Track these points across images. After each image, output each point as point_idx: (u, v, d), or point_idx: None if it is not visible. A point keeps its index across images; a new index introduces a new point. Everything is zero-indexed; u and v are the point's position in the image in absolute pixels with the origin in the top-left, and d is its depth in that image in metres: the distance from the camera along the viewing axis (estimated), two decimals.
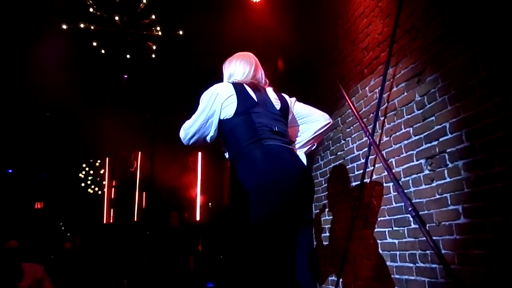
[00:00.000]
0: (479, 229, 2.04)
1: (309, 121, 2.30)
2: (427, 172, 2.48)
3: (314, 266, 3.99)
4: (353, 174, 3.45)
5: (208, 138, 2.12)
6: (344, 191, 3.57)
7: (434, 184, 2.40)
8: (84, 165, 13.22)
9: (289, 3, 4.75)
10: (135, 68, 6.98)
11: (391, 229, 2.83)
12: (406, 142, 2.70)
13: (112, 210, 11.22)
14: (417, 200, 2.53)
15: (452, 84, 2.28)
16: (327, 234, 3.83)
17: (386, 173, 2.83)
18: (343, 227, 3.50)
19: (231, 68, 2.25)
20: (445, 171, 2.31)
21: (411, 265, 2.58)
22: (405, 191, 2.62)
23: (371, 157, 3.15)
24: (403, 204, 2.65)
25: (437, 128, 2.39)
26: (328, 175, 3.92)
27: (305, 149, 2.29)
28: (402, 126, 2.75)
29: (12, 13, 5.36)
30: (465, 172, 2.16)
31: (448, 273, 2.15)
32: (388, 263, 2.84)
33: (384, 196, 2.94)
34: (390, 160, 2.86)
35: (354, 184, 3.42)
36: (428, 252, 2.44)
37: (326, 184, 3.95)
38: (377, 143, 2.99)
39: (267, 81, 2.31)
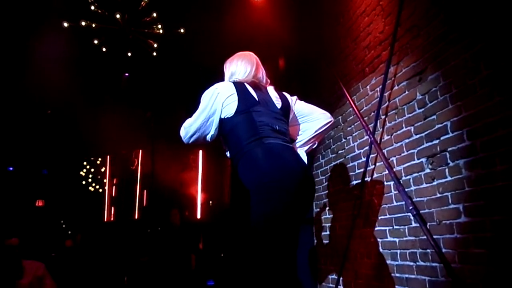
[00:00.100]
0: (479, 228, 2.04)
1: (310, 119, 2.30)
2: (428, 170, 2.48)
3: (315, 264, 4.00)
4: (354, 173, 3.45)
5: (208, 137, 2.13)
6: (345, 190, 3.57)
7: (435, 183, 2.40)
8: (85, 163, 13.21)
9: (290, 2, 4.75)
10: (136, 66, 6.97)
11: (391, 227, 2.83)
12: (407, 140, 2.70)
13: (113, 208, 11.23)
14: (418, 199, 2.53)
15: (453, 82, 2.28)
16: (328, 232, 3.83)
17: (387, 171, 2.83)
18: (344, 226, 3.50)
19: (232, 67, 2.26)
20: (446, 170, 2.31)
21: (412, 263, 2.59)
22: (406, 189, 2.62)
23: (372, 155, 3.15)
24: (403, 202, 2.65)
25: (438, 127, 2.39)
26: (329, 174, 3.92)
27: (306, 147, 2.29)
28: (403, 125, 2.75)
29: (13, 11, 5.35)
30: (466, 171, 2.16)
31: (448, 272, 2.15)
32: (388, 261, 2.85)
33: (385, 195, 2.94)
34: (391, 159, 2.86)
35: (355, 182, 3.42)
36: (428, 250, 2.44)
37: (327, 183, 3.95)
38: (378, 141, 2.99)
39: (268, 80, 2.32)
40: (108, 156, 11.85)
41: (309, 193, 2.01)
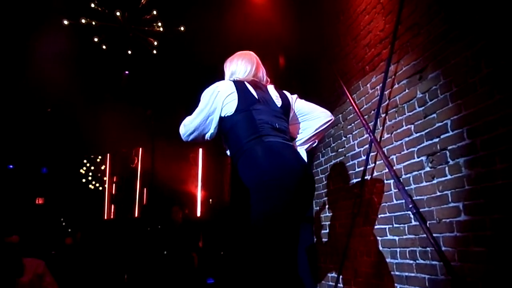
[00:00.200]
0: (479, 227, 2.05)
1: (311, 118, 2.30)
2: (428, 169, 2.48)
3: (314, 262, 4.00)
4: (354, 171, 3.45)
5: (207, 136, 2.13)
6: (344, 188, 3.57)
7: (435, 181, 2.41)
8: (85, 161, 13.21)
9: (290, 0, 4.74)
10: (136, 64, 6.97)
11: (391, 226, 2.84)
12: (407, 139, 2.70)
13: (113, 206, 11.24)
14: (418, 197, 2.54)
15: (454, 81, 2.28)
16: (328, 230, 3.83)
17: (387, 170, 2.83)
18: (344, 224, 3.51)
19: (232, 66, 2.27)
20: (446, 168, 2.31)
21: (411, 262, 2.59)
22: (406, 188, 2.62)
23: (372, 154, 3.15)
24: (403, 201, 2.65)
25: (438, 125, 2.39)
26: (329, 172, 3.92)
27: (306, 146, 2.29)
28: (403, 123, 2.75)
29: (13, 9, 5.35)
30: (466, 170, 2.16)
31: (448, 270, 2.15)
32: (388, 260, 2.85)
33: (385, 193, 2.94)
34: (391, 157, 2.86)
35: (355, 181, 3.42)
36: (428, 249, 2.44)
37: (326, 181, 3.95)
38: (378, 140, 2.99)
39: (268, 79, 2.32)
40: (108, 154, 11.85)
41: (309, 192, 2.01)
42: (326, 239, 3.88)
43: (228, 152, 2.15)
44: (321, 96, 4.05)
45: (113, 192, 11.38)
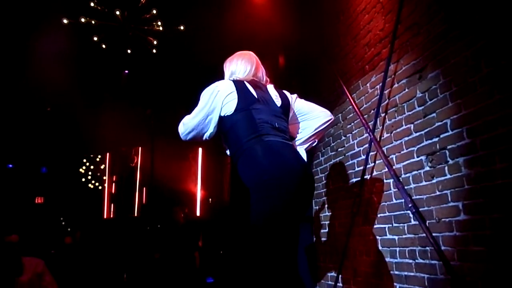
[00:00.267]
0: (479, 226, 2.05)
1: (310, 117, 2.30)
2: (427, 168, 2.48)
3: (314, 262, 4.00)
4: (353, 171, 3.45)
5: (206, 135, 2.12)
6: (344, 187, 3.57)
7: (434, 181, 2.41)
8: (84, 160, 13.23)
9: (290, 0, 4.74)
10: (136, 63, 6.97)
11: (391, 225, 2.84)
12: (406, 138, 2.70)
13: (112, 205, 11.23)
14: (417, 197, 2.54)
15: (454, 80, 2.28)
16: (327, 230, 3.83)
17: (386, 169, 2.83)
18: (343, 223, 3.51)
19: (232, 66, 2.27)
20: (446, 168, 2.31)
21: (411, 261, 2.59)
22: (406, 187, 2.62)
23: (371, 153, 3.15)
24: (403, 200, 2.65)
25: (438, 125, 2.39)
26: (329, 171, 3.92)
27: (306, 145, 2.29)
28: (403, 123, 2.75)
29: (12, 8, 5.34)
30: (465, 169, 2.16)
31: (447, 270, 2.15)
32: (387, 259, 2.85)
33: (385, 193, 2.94)
34: (390, 157, 2.86)
35: (354, 180, 3.42)
36: (428, 248, 2.44)
37: (326, 180, 3.95)
38: (378, 139, 2.99)
39: (268, 79, 2.33)
40: (107, 153, 11.84)
41: (308, 191, 2.01)
42: (325, 239, 3.88)
43: (228, 152, 2.15)
44: (321, 96, 4.05)
45: (113, 191, 11.38)
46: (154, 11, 5.76)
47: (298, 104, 2.31)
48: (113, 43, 6.19)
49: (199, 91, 2.11)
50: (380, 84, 3.02)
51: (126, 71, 7.39)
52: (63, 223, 11.70)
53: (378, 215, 2.99)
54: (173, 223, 5.25)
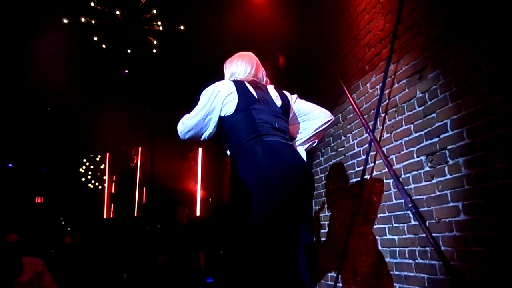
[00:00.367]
0: (479, 226, 2.05)
1: (310, 118, 2.30)
2: (427, 169, 2.48)
3: (314, 262, 4.00)
4: (353, 171, 3.45)
5: (205, 135, 2.12)
6: (344, 188, 3.57)
7: (434, 181, 2.41)
8: (84, 160, 13.23)
9: (290, 0, 4.74)
10: (136, 63, 6.97)
11: (391, 225, 2.84)
12: (406, 138, 2.70)
13: (112, 205, 11.24)
14: (417, 197, 2.54)
15: (454, 81, 2.28)
16: (327, 230, 3.83)
17: (386, 169, 2.83)
18: (343, 223, 3.51)
19: (232, 67, 2.27)
20: (446, 168, 2.31)
21: (411, 261, 2.59)
22: (405, 187, 2.62)
23: (371, 153, 3.15)
24: (403, 200, 2.65)
25: (438, 125, 2.39)
26: (328, 172, 3.92)
27: (306, 146, 2.30)
28: (403, 123, 2.75)
29: (13, 7, 5.34)
30: (465, 169, 2.16)
31: (447, 270, 2.15)
32: (387, 259, 2.85)
33: (384, 193, 2.94)
34: (390, 157, 2.86)
35: (354, 180, 3.42)
36: (427, 248, 2.44)
37: (326, 180, 3.95)
38: (378, 139, 2.99)
39: (268, 80, 2.33)
40: (107, 153, 11.86)
41: (308, 191, 2.01)
42: (325, 239, 3.88)
43: (228, 152, 2.15)
44: (321, 96, 4.05)
45: (113, 191, 11.39)
46: (154, 11, 5.76)
47: (298, 105, 2.31)
48: (113, 43, 6.19)
49: (199, 91, 2.11)
50: (380, 84, 3.02)
51: (126, 71, 7.39)
52: (63, 222, 11.71)
53: (378, 215, 2.99)
54: (176, 223, 5.21)
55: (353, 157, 3.48)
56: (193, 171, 8.25)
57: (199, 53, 5.85)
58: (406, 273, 2.63)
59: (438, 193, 2.37)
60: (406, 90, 2.73)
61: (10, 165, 11.16)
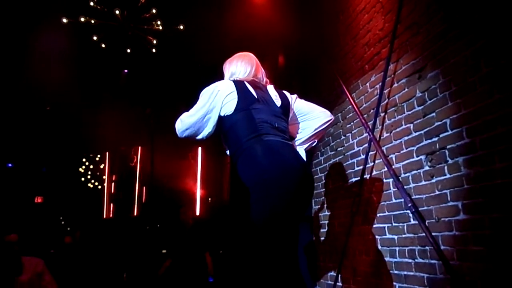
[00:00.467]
0: (478, 226, 2.05)
1: (310, 118, 2.31)
2: (427, 168, 2.48)
3: (313, 261, 4.00)
4: (353, 170, 3.45)
5: (203, 134, 2.11)
6: (343, 187, 3.57)
7: (434, 180, 2.41)
8: (84, 160, 13.23)
9: None
10: (135, 63, 6.96)
11: (390, 224, 2.84)
12: (406, 138, 2.70)
13: (112, 204, 11.25)
14: (417, 196, 2.54)
15: (453, 80, 2.28)
16: (327, 229, 3.83)
17: (386, 169, 2.83)
18: (343, 223, 3.51)
19: (232, 67, 2.27)
20: (445, 167, 2.31)
21: (410, 260, 2.59)
22: (405, 187, 2.62)
23: (371, 153, 3.15)
24: (402, 200, 2.65)
25: (437, 124, 2.39)
26: (328, 171, 3.92)
27: (306, 145, 2.30)
28: (403, 122, 2.75)
29: (12, 7, 5.34)
30: (465, 169, 2.16)
31: (447, 269, 2.15)
32: (387, 258, 2.85)
33: (384, 192, 2.94)
34: (390, 156, 2.87)
35: (354, 179, 3.42)
36: (427, 248, 2.45)
37: (326, 180, 3.95)
38: (377, 139, 2.99)
39: (268, 80, 2.33)
40: (107, 153, 11.86)
41: (308, 191, 2.01)
42: (325, 238, 3.88)
43: (227, 152, 2.15)
44: (321, 95, 4.05)
45: (112, 191, 11.39)
46: (154, 11, 5.76)
47: (298, 105, 2.31)
48: (113, 43, 6.18)
49: (199, 91, 2.11)
50: (380, 83, 3.02)
51: (126, 71, 7.38)
52: (63, 222, 11.70)
53: (378, 215, 2.99)
54: (181, 224, 5.13)
55: (352, 156, 3.48)
56: (193, 170, 8.25)
57: (199, 53, 5.85)
58: (405, 272, 2.63)
59: (437, 192, 2.37)
60: (406, 89, 2.73)
61: (10, 165, 11.15)
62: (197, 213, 7.84)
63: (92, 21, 5.71)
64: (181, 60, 6.69)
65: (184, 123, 2.12)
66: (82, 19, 5.62)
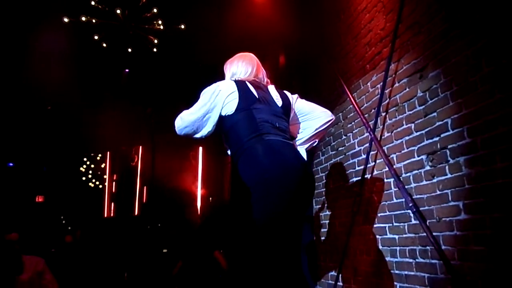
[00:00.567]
0: (479, 225, 2.04)
1: (311, 118, 2.31)
2: (428, 168, 2.48)
3: (314, 261, 4.00)
4: (354, 170, 3.45)
5: (203, 133, 2.11)
6: (344, 187, 3.57)
7: (435, 180, 2.40)
8: (85, 159, 13.24)
9: None
10: (136, 62, 6.96)
11: (391, 224, 2.84)
12: (407, 138, 2.70)
13: (112, 204, 11.25)
14: (418, 196, 2.53)
15: (454, 80, 2.28)
16: (327, 229, 3.83)
17: (387, 168, 2.83)
18: (343, 222, 3.51)
19: (233, 68, 2.28)
20: (446, 167, 2.31)
21: (411, 260, 2.59)
22: (406, 187, 2.62)
23: (372, 152, 3.15)
24: (403, 199, 2.65)
25: (438, 124, 2.39)
26: (329, 171, 3.92)
27: (307, 145, 2.30)
28: (404, 122, 2.75)
29: (13, 6, 5.34)
30: (466, 168, 2.16)
31: (448, 269, 2.15)
32: (388, 258, 2.85)
33: (385, 192, 2.94)
34: (391, 156, 2.86)
35: (355, 179, 3.42)
36: (428, 247, 2.44)
37: (326, 180, 3.95)
38: (378, 138, 2.99)
39: (269, 80, 2.33)
40: (108, 152, 11.87)
41: (309, 190, 2.01)
42: (325, 238, 3.88)
43: (228, 152, 2.15)
44: (321, 95, 4.05)
45: (113, 190, 11.40)
46: (155, 10, 5.76)
47: (299, 105, 2.31)
48: (114, 42, 6.18)
49: (200, 90, 2.11)
50: (381, 83, 3.02)
51: (127, 70, 7.39)
52: (64, 221, 11.70)
53: (379, 214, 2.99)
54: (188, 224, 5.09)
55: (353, 156, 3.47)
56: (193, 170, 8.26)
57: (200, 52, 5.86)
58: (406, 272, 2.63)
59: (438, 192, 2.37)
60: (407, 89, 2.73)
61: (11, 164, 11.16)
62: (198, 212, 7.85)
63: (93, 21, 5.71)
64: (182, 60, 6.70)
65: (183, 120, 2.12)
66: (83, 19, 5.62)
